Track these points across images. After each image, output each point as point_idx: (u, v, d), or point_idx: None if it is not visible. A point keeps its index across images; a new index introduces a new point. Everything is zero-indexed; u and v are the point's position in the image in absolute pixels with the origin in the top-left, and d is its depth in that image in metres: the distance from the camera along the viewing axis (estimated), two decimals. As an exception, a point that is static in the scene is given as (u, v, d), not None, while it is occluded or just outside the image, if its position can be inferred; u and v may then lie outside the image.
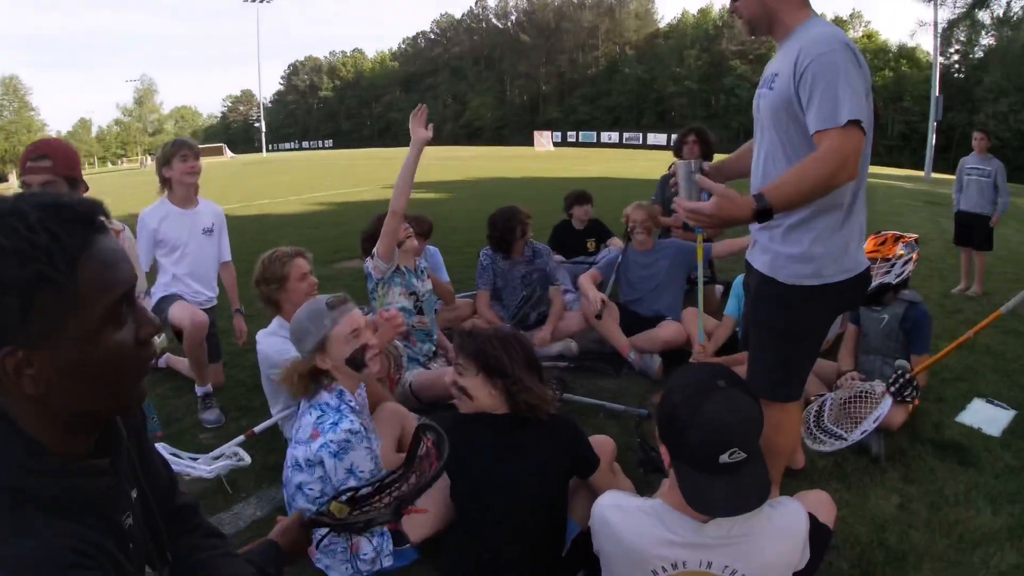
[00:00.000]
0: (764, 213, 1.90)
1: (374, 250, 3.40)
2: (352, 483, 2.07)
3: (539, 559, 2.08)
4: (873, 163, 2.47)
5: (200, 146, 4.11)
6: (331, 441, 2.12)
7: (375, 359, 2.40)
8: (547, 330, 4.39)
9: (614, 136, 54.53)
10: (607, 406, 3.58)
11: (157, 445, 2.42)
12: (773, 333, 2.22)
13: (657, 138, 47.85)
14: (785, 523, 1.56)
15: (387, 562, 2.28)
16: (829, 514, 1.99)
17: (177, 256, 3.80)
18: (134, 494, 1.08)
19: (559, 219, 6.04)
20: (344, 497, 1.50)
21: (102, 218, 0.90)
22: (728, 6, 2.25)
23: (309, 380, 2.28)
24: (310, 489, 2.19)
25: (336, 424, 2.16)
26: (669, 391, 1.54)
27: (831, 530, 1.97)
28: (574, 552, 2.14)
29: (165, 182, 3.76)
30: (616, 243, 5.47)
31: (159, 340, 2.76)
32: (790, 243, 2.11)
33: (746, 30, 2.17)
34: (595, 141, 54.78)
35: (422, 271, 3.72)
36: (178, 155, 3.69)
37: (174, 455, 2.46)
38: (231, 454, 2.69)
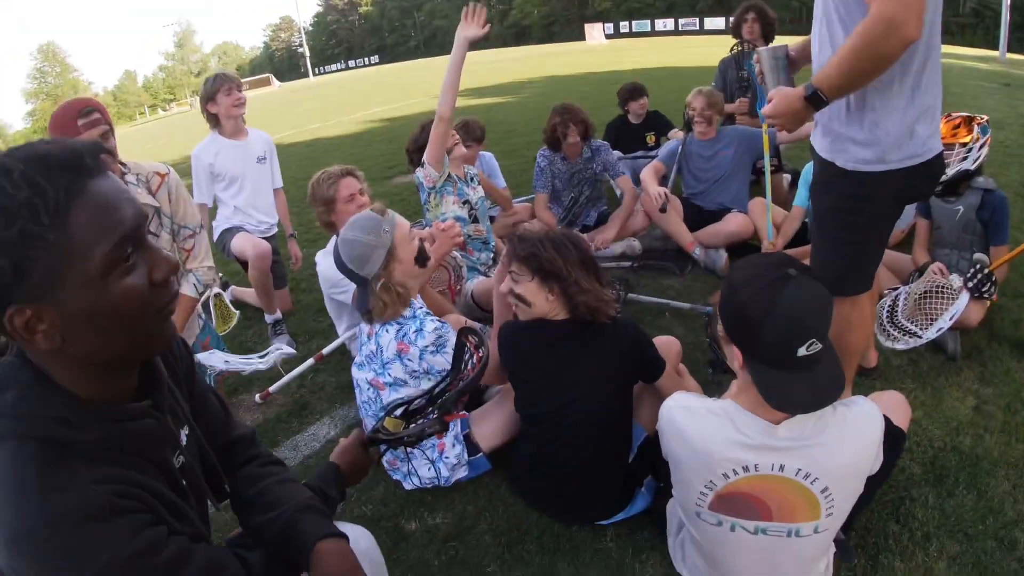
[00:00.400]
0: (814, 98, 1.80)
1: (423, 159, 3.31)
2: None
3: (605, 466, 2.05)
4: (944, 42, 2.18)
5: (248, 79, 4.07)
6: (427, 345, 2.15)
7: (432, 247, 2.42)
8: (611, 230, 4.26)
9: (669, 23, 51.42)
10: (672, 304, 3.51)
11: (205, 355, 2.50)
12: (835, 223, 2.06)
13: (715, 22, 44.82)
14: (860, 425, 1.47)
15: (462, 472, 2.32)
16: (904, 416, 1.90)
17: (236, 188, 3.86)
18: (185, 432, 1.09)
19: (615, 115, 5.75)
20: (398, 412, 1.48)
21: (103, 157, 0.86)
22: None
23: (399, 295, 2.22)
24: None
25: (420, 330, 2.17)
26: (732, 289, 1.43)
27: (905, 433, 1.88)
28: (642, 458, 2.12)
29: (212, 118, 3.77)
30: (677, 135, 5.17)
31: (216, 277, 2.81)
32: (851, 124, 1.91)
33: None
34: (650, 30, 51.87)
35: (472, 178, 3.61)
36: (222, 89, 3.70)
37: (226, 360, 2.54)
38: (275, 349, 2.79)
